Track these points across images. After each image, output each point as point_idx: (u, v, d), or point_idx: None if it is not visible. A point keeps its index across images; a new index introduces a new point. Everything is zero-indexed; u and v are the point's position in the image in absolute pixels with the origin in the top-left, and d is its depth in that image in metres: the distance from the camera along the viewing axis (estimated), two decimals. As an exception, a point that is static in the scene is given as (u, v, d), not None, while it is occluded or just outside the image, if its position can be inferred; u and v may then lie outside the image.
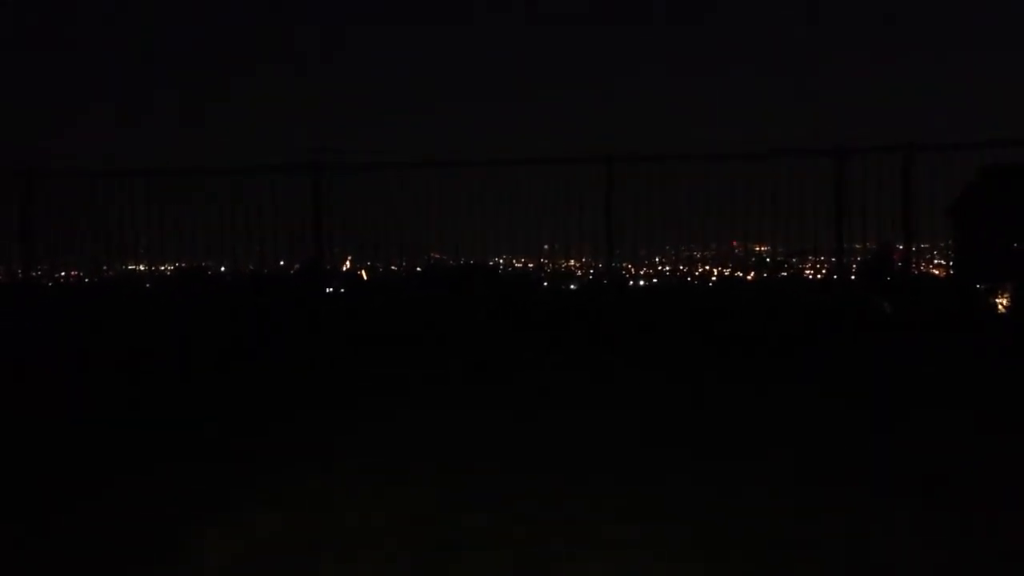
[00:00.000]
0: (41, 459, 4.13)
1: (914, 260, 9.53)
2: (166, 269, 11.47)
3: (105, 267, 11.12)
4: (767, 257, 11.41)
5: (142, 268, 11.20)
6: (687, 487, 3.50)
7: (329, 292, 11.36)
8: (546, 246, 10.93)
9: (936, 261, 10.35)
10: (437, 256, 11.82)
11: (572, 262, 12.40)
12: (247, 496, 3.45)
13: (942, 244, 9.72)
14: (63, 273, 11.12)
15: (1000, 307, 8.60)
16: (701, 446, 4.17)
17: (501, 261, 11.82)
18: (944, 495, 3.37)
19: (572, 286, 11.99)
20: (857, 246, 9.91)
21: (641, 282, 12.13)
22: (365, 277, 11.98)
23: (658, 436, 4.42)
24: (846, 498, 3.33)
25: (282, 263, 11.73)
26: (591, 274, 12.14)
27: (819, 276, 10.61)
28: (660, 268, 12.54)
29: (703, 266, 12.24)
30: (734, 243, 10.75)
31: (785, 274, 10.91)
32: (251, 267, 11.67)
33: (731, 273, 11.93)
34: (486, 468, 3.80)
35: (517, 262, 12.05)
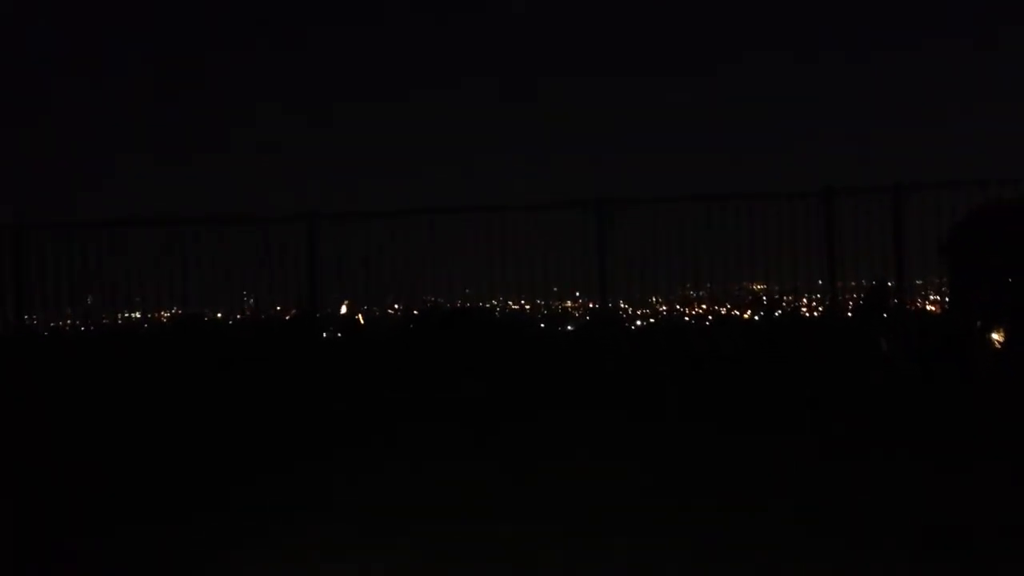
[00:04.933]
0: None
1: (908, 297, 9.55)
2: (162, 317, 11.46)
3: (103, 316, 11.10)
4: (763, 296, 11.41)
5: (138, 316, 11.18)
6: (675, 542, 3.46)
7: (326, 337, 11.34)
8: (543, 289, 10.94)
9: (932, 297, 10.36)
10: (433, 300, 11.82)
11: (569, 304, 12.40)
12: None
13: (936, 280, 9.75)
14: (58, 323, 11.11)
15: (996, 343, 8.58)
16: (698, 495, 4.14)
17: (497, 304, 11.82)
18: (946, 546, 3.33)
19: (569, 327, 11.97)
20: (852, 283, 9.92)
21: (638, 322, 12.12)
22: (362, 321, 11.96)
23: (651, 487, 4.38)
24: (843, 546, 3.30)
25: (279, 308, 11.73)
26: (587, 315, 12.12)
27: (815, 314, 10.61)
28: (657, 308, 12.53)
29: (699, 305, 12.24)
30: (733, 285, 10.75)
31: (781, 312, 10.90)
32: (248, 313, 11.67)
33: (728, 312, 11.93)
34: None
35: (515, 305, 12.04)
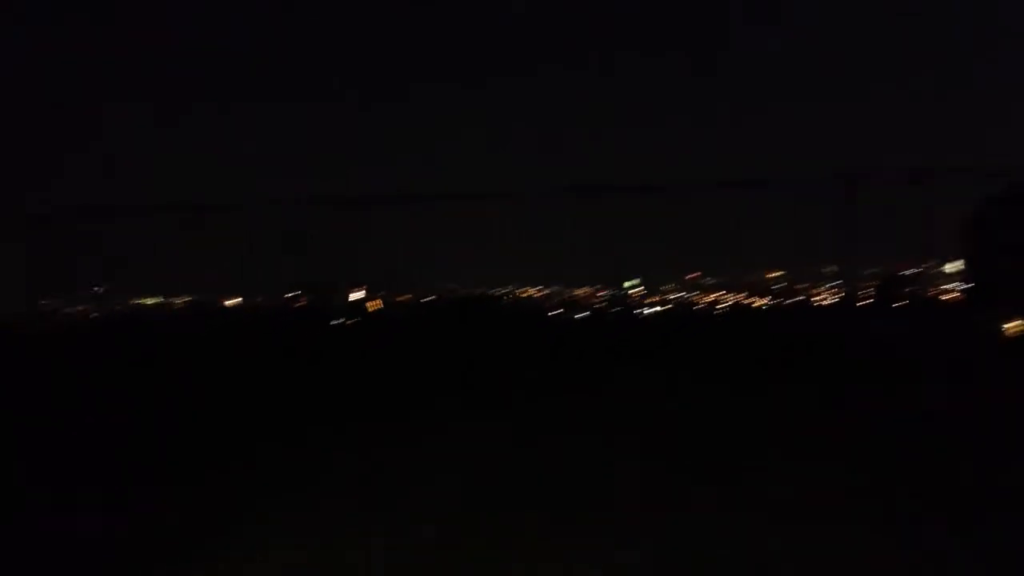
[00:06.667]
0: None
1: (924, 285, 9.28)
2: (176, 303, 11.58)
3: (115, 304, 11.25)
4: (778, 284, 11.22)
5: (150, 302, 11.32)
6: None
7: (336, 324, 11.36)
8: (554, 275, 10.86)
9: (953, 286, 10.07)
10: (444, 287, 11.79)
11: (582, 291, 12.30)
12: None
13: (950, 270, 9.45)
14: (74, 308, 11.28)
15: (1011, 331, 8.30)
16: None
17: (508, 293, 11.77)
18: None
19: (581, 315, 11.85)
20: (868, 272, 9.68)
21: (656, 308, 11.99)
22: (371, 309, 11.96)
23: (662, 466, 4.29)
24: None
25: (289, 295, 11.76)
26: (601, 302, 12.01)
27: (830, 302, 10.39)
28: (672, 296, 12.38)
29: (714, 293, 12.07)
30: (749, 273, 10.57)
31: (795, 300, 10.71)
32: (259, 300, 11.73)
33: (743, 299, 11.75)
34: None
35: (524, 294, 11.99)
